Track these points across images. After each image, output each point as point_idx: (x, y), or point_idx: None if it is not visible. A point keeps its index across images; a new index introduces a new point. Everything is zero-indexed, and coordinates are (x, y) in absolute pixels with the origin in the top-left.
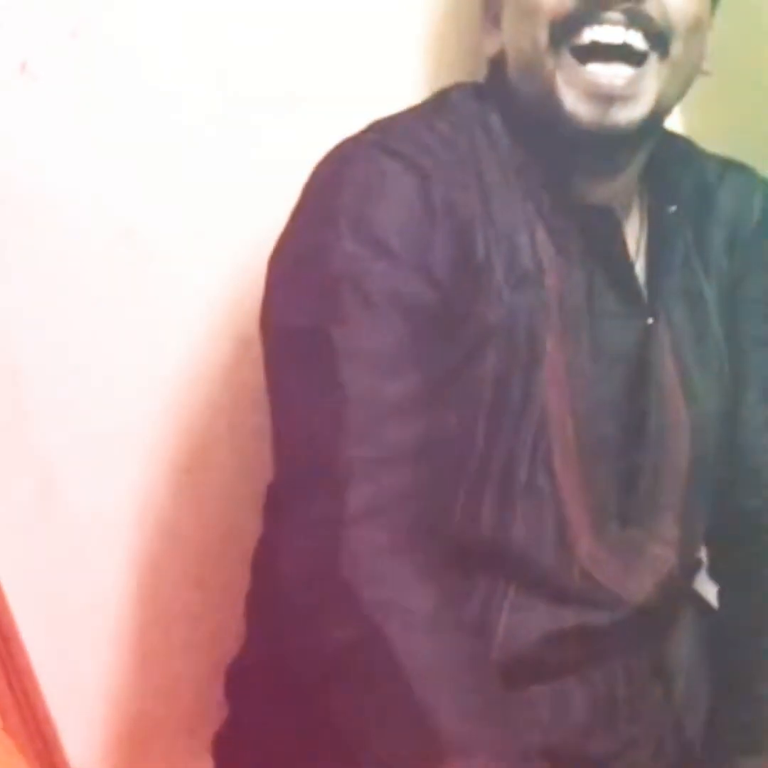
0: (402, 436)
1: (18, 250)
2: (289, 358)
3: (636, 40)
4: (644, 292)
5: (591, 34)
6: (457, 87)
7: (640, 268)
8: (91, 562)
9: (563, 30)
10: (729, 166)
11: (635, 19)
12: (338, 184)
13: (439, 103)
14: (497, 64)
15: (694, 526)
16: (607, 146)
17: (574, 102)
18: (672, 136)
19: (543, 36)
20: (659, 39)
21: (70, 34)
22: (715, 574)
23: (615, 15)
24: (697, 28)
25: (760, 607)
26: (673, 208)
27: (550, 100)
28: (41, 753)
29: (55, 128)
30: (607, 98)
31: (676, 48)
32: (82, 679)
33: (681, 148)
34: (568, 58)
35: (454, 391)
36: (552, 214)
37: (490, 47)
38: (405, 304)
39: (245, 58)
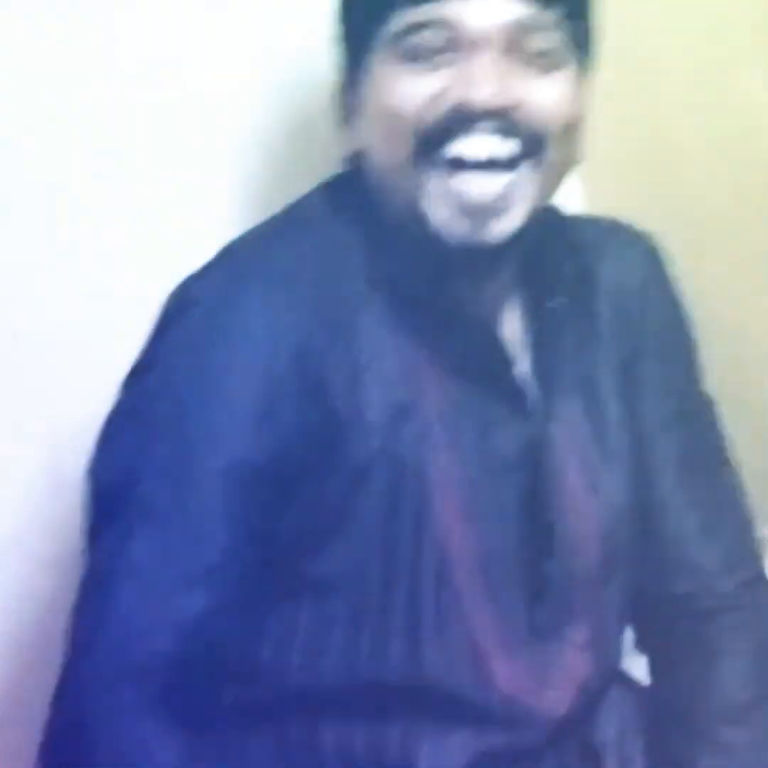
0: (179, 605)
1: None
2: (100, 511)
3: (507, 150)
4: (534, 393)
5: (459, 148)
6: (311, 196)
7: (527, 367)
8: None
9: (428, 142)
10: (608, 233)
11: (506, 129)
12: (176, 330)
13: (291, 217)
14: (355, 165)
15: (609, 626)
16: (479, 258)
17: (442, 218)
18: (547, 216)
19: (406, 147)
20: (532, 146)
21: None
22: (644, 649)
23: (485, 125)
24: (572, 127)
25: (694, 685)
26: (554, 304)
27: (415, 213)
28: None
29: None
30: (477, 212)
31: (551, 151)
32: None
33: (557, 229)
34: (434, 170)
35: (340, 530)
36: (424, 329)
37: (346, 147)
38: (233, 461)
39: (82, 171)
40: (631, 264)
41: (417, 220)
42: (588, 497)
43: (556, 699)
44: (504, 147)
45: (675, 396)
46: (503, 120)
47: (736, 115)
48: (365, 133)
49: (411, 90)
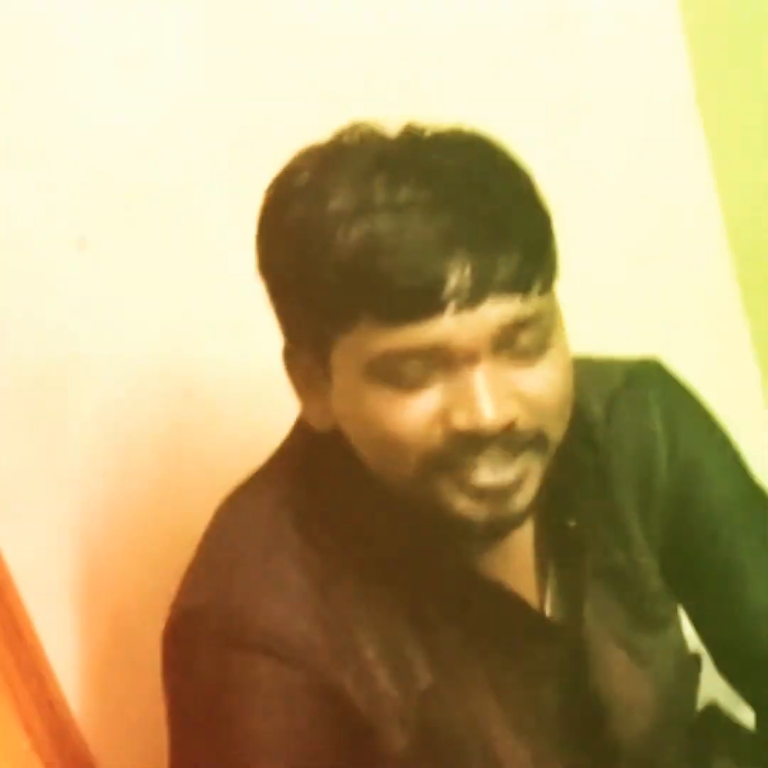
0: None
1: (86, 413)
2: None
3: (515, 468)
4: (562, 612)
5: (468, 475)
6: (286, 465)
7: (552, 587)
8: None
9: (434, 466)
10: (616, 398)
11: (512, 444)
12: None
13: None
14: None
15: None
16: (499, 531)
17: (461, 507)
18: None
19: (409, 467)
20: (537, 438)
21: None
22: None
23: (492, 446)
24: (568, 400)
25: None
26: (573, 523)
27: (433, 504)
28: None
29: (114, 300)
30: (495, 496)
31: (553, 430)
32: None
33: (574, 432)
34: (444, 480)
35: None
36: (439, 601)
37: (317, 422)
38: None
39: None
40: (647, 422)
41: (434, 507)
42: (635, 676)
43: None
44: (512, 468)
45: (732, 486)
46: (508, 437)
47: None
48: (348, 431)
49: (405, 415)
